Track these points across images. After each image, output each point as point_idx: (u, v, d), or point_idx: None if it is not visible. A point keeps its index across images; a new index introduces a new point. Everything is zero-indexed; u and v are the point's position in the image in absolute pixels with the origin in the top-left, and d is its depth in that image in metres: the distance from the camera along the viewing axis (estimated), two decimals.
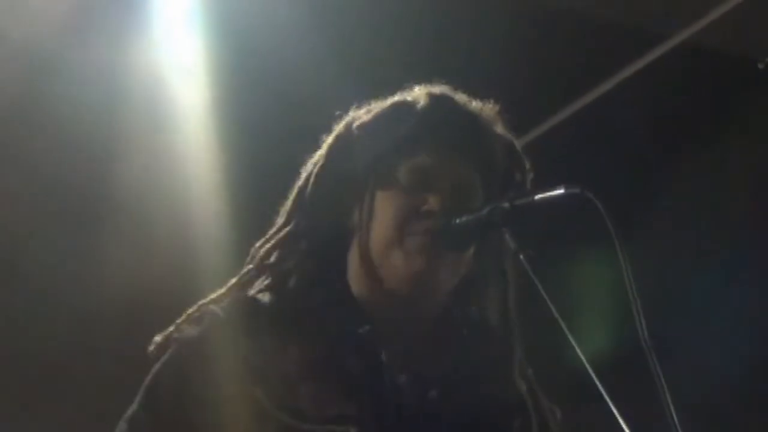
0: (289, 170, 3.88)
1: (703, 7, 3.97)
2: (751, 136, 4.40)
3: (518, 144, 1.99)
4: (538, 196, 1.79)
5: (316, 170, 1.95)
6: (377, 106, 1.97)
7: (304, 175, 1.98)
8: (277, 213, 2.00)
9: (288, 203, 1.98)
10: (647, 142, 4.46)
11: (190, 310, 1.88)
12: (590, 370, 1.65)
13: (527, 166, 1.98)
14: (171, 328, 1.87)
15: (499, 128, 1.96)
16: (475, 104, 1.96)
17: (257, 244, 1.96)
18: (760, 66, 4.26)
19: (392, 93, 1.99)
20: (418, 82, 1.97)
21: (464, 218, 1.82)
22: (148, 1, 3.69)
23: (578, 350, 1.66)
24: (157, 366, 1.85)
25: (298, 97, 3.79)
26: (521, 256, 1.78)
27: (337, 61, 3.80)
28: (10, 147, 3.87)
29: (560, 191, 1.75)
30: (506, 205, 1.81)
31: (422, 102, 1.92)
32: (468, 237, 1.86)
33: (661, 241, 4.35)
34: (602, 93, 4.27)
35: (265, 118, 3.94)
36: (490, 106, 1.97)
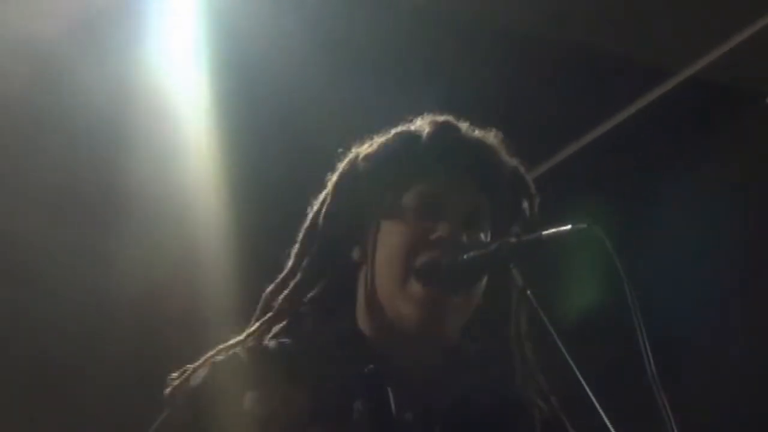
0: (289, 170, 3.95)
1: (709, 42, 3.98)
2: (758, 171, 4.40)
3: (523, 170, 1.99)
4: (545, 232, 1.78)
5: (324, 209, 1.94)
6: (381, 137, 1.96)
7: (310, 216, 1.97)
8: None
9: (297, 245, 1.96)
10: (653, 177, 4.47)
11: (207, 354, 1.87)
12: (598, 408, 1.65)
13: (534, 191, 1.98)
14: (184, 371, 1.86)
15: (504, 155, 1.96)
16: (479, 132, 1.96)
17: (269, 289, 1.95)
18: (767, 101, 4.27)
19: (394, 125, 1.99)
20: (423, 113, 1.98)
21: (471, 254, 1.81)
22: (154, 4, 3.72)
23: (587, 388, 1.66)
24: (160, 419, 1.84)
25: (299, 99, 3.85)
26: (528, 292, 1.78)
27: (341, 84, 3.85)
28: (19, 147, 3.89)
29: (568, 227, 1.75)
30: (513, 240, 1.80)
31: (427, 130, 1.92)
32: (475, 274, 1.85)
33: (667, 280, 4.35)
34: (609, 128, 4.28)
35: (268, 121, 3.98)
36: (494, 133, 1.97)
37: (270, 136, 4.00)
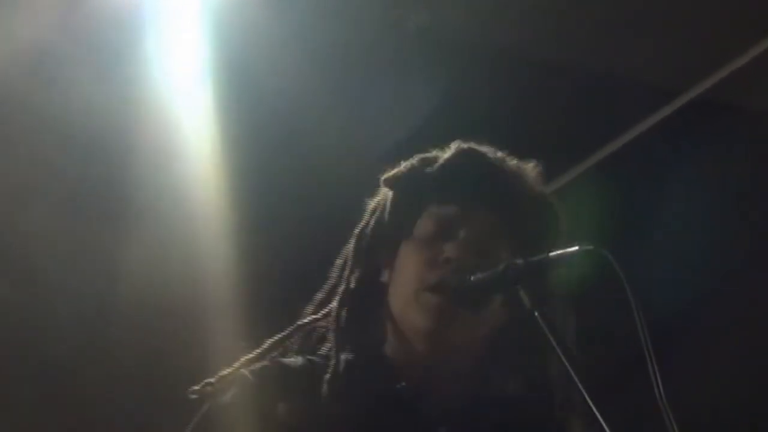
0: (290, 171, 3.97)
1: (716, 62, 3.98)
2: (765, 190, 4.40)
3: (552, 197, 2.00)
4: (552, 253, 1.78)
5: (357, 232, 2.00)
6: (407, 161, 2.00)
7: (351, 240, 2.01)
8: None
9: (336, 268, 2.01)
10: (660, 197, 4.46)
11: (224, 372, 1.90)
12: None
13: (560, 218, 1.99)
14: (205, 384, 1.88)
15: (533, 182, 1.97)
16: (510, 160, 1.97)
17: (308, 309, 1.99)
18: None
19: (401, 154, 2.02)
20: (429, 144, 1.99)
21: (479, 275, 1.82)
22: (156, 11, 3.74)
23: (595, 410, 1.66)
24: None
25: (300, 104, 3.87)
26: (536, 314, 1.77)
27: (344, 100, 3.89)
28: (23, 148, 3.92)
29: (575, 248, 1.75)
30: (520, 262, 1.80)
31: (447, 154, 1.95)
32: (483, 295, 1.86)
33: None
34: (617, 148, 4.28)
35: (271, 125, 4.00)
36: (530, 164, 1.99)
37: (271, 139, 4.03)
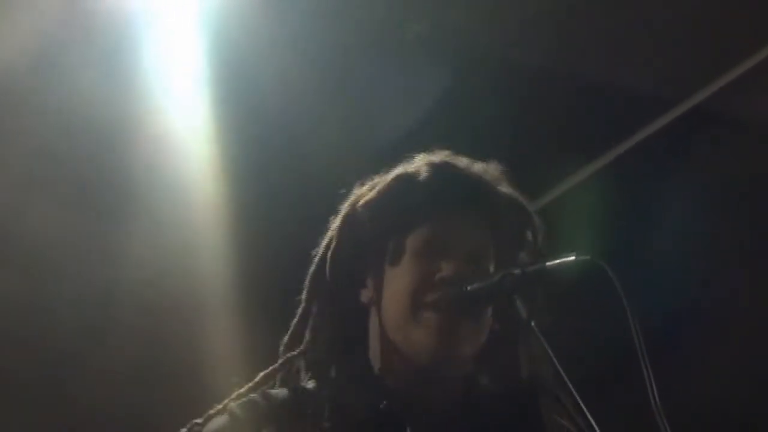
0: (287, 167, 3.99)
1: (714, 71, 3.97)
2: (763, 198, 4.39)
3: (526, 200, 2.00)
4: (549, 264, 1.78)
5: (329, 255, 1.96)
6: (380, 181, 1.98)
7: (316, 261, 1.99)
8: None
9: (305, 291, 1.99)
10: (658, 207, 4.46)
11: (212, 411, 1.91)
12: None
13: (537, 222, 1.98)
14: (193, 425, 1.90)
15: (505, 187, 1.97)
16: (478, 166, 1.98)
17: (285, 339, 1.98)
18: None
19: (398, 157, 2.00)
20: (426, 148, 1.98)
21: (476, 285, 1.83)
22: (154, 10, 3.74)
23: (590, 419, 1.66)
24: None
25: (298, 105, 3.89)
26: (532, 323, 1.78)
27: (344, 118, 3.89)
28: (25, 142, 3.93)
29: (571, 258, 1.75)
30: (517, 271, 1.81)
31: (424, 173, 1.93)
32: (480, 304, 1.86)
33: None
34: (614, 157, 4.28)
35: (271, 125, 4.01)
36: (494, 166, 1.99)
37: (271, 139, 4.04)
